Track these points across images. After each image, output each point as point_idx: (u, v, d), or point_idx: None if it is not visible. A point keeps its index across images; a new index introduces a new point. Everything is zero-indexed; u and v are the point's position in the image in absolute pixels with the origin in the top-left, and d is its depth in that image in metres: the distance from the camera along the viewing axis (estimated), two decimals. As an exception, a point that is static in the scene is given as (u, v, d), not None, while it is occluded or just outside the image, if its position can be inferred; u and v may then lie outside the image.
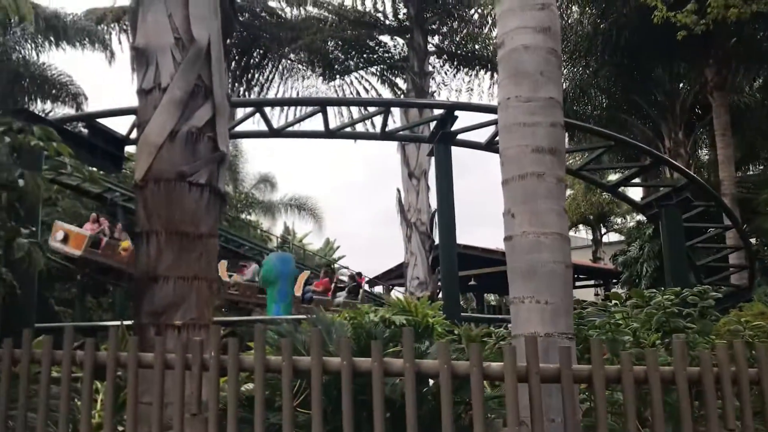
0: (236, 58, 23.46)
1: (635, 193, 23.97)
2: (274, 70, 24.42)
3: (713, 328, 6.87)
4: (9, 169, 4.92)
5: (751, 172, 25.74)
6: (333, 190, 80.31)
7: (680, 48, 16.76)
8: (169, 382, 3.57)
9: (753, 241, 17.50)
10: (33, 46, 20.95)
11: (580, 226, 41.08)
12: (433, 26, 23.23)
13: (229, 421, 3.36)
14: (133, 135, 11.19)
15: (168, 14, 5.35)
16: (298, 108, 19.61)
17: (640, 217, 23.97)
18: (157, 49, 5.31)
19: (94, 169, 11.47)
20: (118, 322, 8.75)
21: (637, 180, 15.94)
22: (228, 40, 6.11)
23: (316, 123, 16.01)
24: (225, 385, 3.53)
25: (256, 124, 15.48)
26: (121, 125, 11.40)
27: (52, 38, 20.25)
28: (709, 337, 6.31)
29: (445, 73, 24.50)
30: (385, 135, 13.45)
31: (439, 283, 18.28)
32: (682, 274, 13.56)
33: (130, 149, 12.36)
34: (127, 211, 18.74)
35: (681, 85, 22.60)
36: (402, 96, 23.06)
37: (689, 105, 22.60)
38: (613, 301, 7.96)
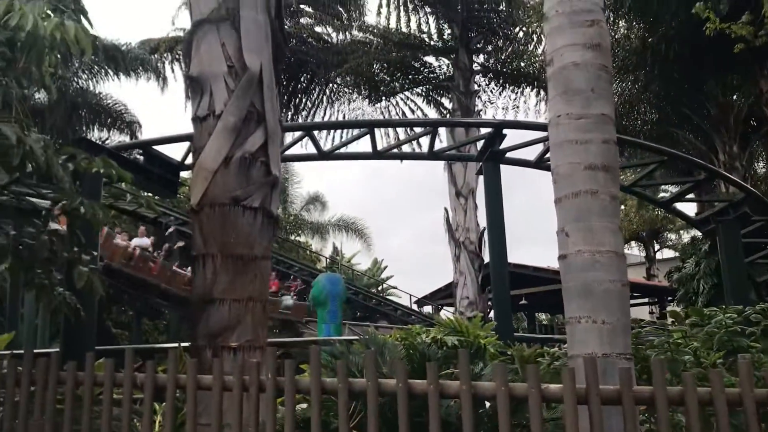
0: (284, 83, 23.91)
1: (689, 209, 23.38)
2: (321, 94, 24.78)
3: (779, 347, 6.62)
4: (71, 196, 5.09)
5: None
6: (378, 208, 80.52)
7: (733, 59, 16.37)
8: (226, 403, 3.62)
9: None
10: (90, 76, 21.79)
11: (633, 243, 40.20)
12: (478, 45, 23.26)
13: (286, 442, 3.39)
14: (188, 161, 11.50)
15: (221, 43, 5.51)
16: (345, 130, 19.86)
17: (695, 233, 23.32)
18: (211, 78, 5.47)
19: (150, 194, 11.79)
20: (174, 345, 8.92)
21: (691, 195, 15.56)
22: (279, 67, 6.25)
23: (363, 145, 16.10)
24: (281, 407, 3.56)
25: (304, 147, 15.72)
26: (175, 151, 11.78)
27: (109, 69, 21.01)
28: (775, 357, 6.07)
29: (491, 92, 24.46)
30: (432, 155, 13.48)
31: (490, 303, 18.10)
32: (742, 292, 13.12)
33: (184, 174, 12.70)
34: (180, 234, 19.17)
35: (734, 97, 22.02)
36: (448, 115, 23.09)
37: (744, 117, 21.98)
38: (671, 320, 7.74)
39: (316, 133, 13.62)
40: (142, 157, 11.28)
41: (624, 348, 4.35)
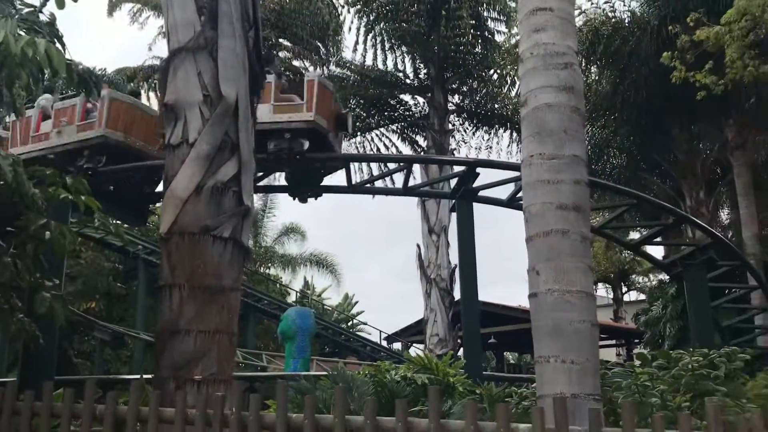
0: (259, 114, 23.88)
1: (657, 252, 23.70)
2: (296, 126, 24.79)
3: (743, 391, 6.69)
4: (37, 220, 4.98)
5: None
6: (349, 244, 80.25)
7: (700, 107, 16.81)
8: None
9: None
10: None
11: (600, 285, 40.54)
12: (454, 85, 23.60)
13: (249, 480, 3.30)
14: (159, 189, 11.37)
15: (198, 72, 5.50)
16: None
17: (662, 276, 23.60)
18: (186, 106, 5.45)
19: (119, 222, 11.62)
20: (137, 376, 8.71)
21: (659, 239, 15.79)
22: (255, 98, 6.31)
23: (337, 178, 16.15)
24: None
25: (277, 179, 15.65)
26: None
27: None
28: (740, 401, 6.12)
29: (465, 131, 24.75)
30: (407, 191, 13.51)
31: (460, 341, 18.04)
32: (707, 335, 13.26)
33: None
34: (148, 264, 18.87)
35: (701, 144, 22.58)
36: (422, 153, 23.28)
37: (710, 164, 22.52)
38: (638, 362, 7.78)
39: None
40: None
41: (593, 389, 4.35)
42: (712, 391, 6.28)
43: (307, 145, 10.51)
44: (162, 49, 26.12)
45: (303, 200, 12.12)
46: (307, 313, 16.90)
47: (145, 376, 7.07)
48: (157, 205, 11.97)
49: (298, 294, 34.27)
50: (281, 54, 24.09)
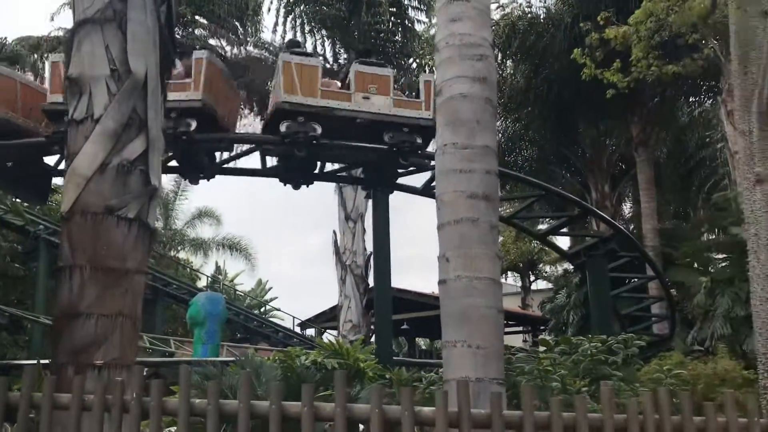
0: (172, 93, 23.10)
1: (563, 243, 24.65)
2: (211, 107, 24.18)
3: (637, 375, 7.08)
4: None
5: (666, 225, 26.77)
6: (265, 229, 79.30)
7: (607, 104, 17.53)
8: (87, 424, 3.38)
9: (673, 292, 18.13)
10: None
11: (509, 273, 41.74)
12: (373, 72, 23.59)
13: (149, 467, 3.21)
14: (62, 166, 10.84)
15: (105, 45, 5.25)
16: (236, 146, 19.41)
17: (568, 266, 24.55)
18: (91, 80, 5.19)
19: (18, 200, 11.02)
20: (34, 361, 8.31)
21: (565, 229, 16.40)
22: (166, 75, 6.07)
23: (252, 161, 15.84)
24: (147, 429, 3.37)
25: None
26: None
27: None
28: (634, 385, 6.47)
29: (383, 119, 24.80)
30: (324, 176, 13.45)
31: (373, 327, 18.18)
32: (606, 323, 13.90)
33: (57, 181, 11.96)
34: (49, 244, 18.02)
35: (607, 140, 23.56)
36: (340, 139, 23.19)
37: (615, 159, 23.57)
38: (542, 348, 8.09)
39: (204, 146, 13.22)
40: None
41: (497, 373, 4.48)
42: (609, 376, 6.61)
43: (420, 141, 11.07)
44: (67, 19, 24.85)
45: (384, 193, 12.44)
46: (217, 299, 16.62)
47: (43, 362, 6.76)
48: (58, 182, 11.42)
49: (209, 279, 33.58)
50: (197, 32, 23.42)
